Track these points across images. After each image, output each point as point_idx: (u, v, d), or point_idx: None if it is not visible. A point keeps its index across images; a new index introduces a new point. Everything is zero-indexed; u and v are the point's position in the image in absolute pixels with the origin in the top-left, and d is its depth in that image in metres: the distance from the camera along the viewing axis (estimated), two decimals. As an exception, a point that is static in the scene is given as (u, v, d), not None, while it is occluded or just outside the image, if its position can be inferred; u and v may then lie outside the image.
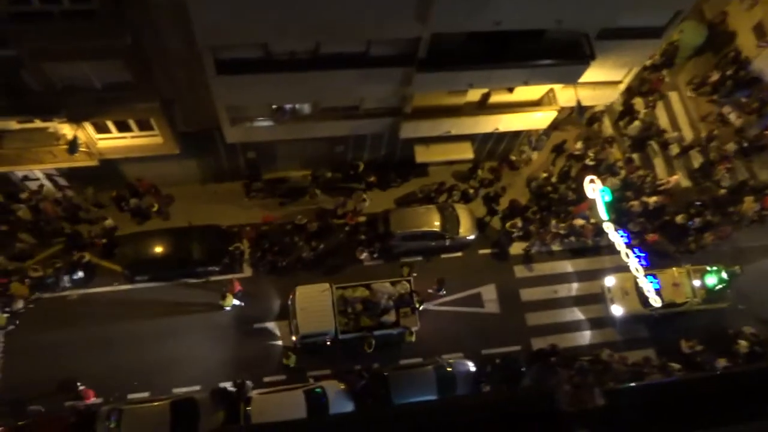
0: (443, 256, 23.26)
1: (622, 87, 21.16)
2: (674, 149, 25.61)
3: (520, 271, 23.47)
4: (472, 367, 20.85)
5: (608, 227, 20.49)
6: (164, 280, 21.69)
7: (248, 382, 19.69)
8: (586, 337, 22.62)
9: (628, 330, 22.60)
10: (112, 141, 19.43)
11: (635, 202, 23.59)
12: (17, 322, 20.63)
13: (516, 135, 23.53)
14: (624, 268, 21.01)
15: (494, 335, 22.08)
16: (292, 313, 20.61)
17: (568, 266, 23.71)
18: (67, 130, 18.47)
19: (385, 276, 21.62)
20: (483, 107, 20.57)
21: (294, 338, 20.57)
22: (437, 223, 22.55)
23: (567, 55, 17.20)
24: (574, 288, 23.31)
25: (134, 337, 20.66)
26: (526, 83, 18.55)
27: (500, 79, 18.52)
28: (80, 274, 21.28)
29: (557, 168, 24.96)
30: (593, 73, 18.38)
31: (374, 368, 20.62)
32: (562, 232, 23.47)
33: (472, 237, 23.01)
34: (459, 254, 23.40)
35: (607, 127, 26.17)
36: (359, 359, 20.77)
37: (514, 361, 21.24)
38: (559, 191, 24.23)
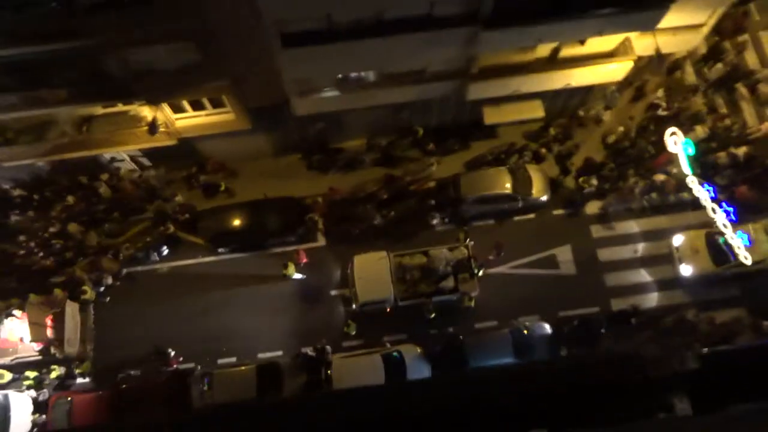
0: (516, 218, 22.87)
1: (706, 30, 19.66)
2: (764, 90, 23.51)
3: (597, 230, 22.73)
4: (549, 329, 20.60)
5: (692, 181, 19.34)
6: (244, 251, 22.65)
7: (327, 347, 20.39)
8: (668, 297, 21.72)
9: (714, 289, 21.46)
10: (188, 120, 20.26)
11: (722, 154, 22.12)
12: (108, 296, 22.19)
13: (588, 90, 22.48)
14: (708, 225, 19.87)
15: (571, 297, 21.63)
16: (351, 282, 21.03)
17: (648, 224, 22.69)
18: (147, 112, 19.44)
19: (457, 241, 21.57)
20: (553, 62, 19.71)
21: (354, 306, 21.01)
22: (508, 185, 22.12)
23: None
24: (656, 246, 22.33)
25: (219, 305, 21.80)
26: (600, 34, 17.57)
27: (572, 32, 17.63)
28: (167, 248, 22.60)
29: (635, 122, 23.72)
30: (673, 17, 17.17)
31: (450, 332, 20.79)
32: (641, 188, 22.43)
33: (545, 198, 22.44)
34: (532, 216, 22.93)
35: (690, 75, 24.49)
36: (423, 325, 21.04)
37: (593, 322, 20.75)
38: (637, 146, 23.07)
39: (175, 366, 20.92)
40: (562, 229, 22.76)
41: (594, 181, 22.35)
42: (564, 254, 22.38)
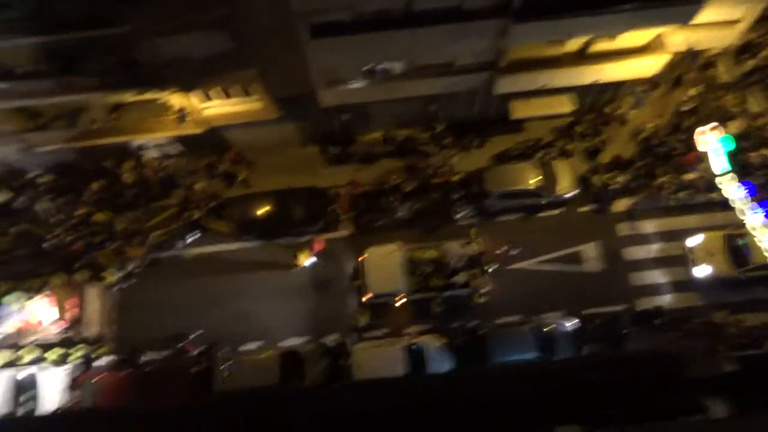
0: (541, 214, 22.68)
1: (742, 26, 19.17)
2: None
3: (623, 228, 22.45)
4: (573, 326, 20.41)
5: (728, 180, 18.78)
6: (269, 239, 22.87)
7: (346, 340, 20.60)
8: (693, 298, 21.36)
9: (742, 292, 21.02)
10: (217, 109, 20.43)
11: (754, 153, 21.60)
12: (133, 280, 22.58)
13: (618, 86, 22.13)
14: (734, 226, 19.47)
15: (595, 295, 21.39)
16: (361, 273, 21.15)
17: (675, 223, 22.33)
18: (175, 101, 19.64)
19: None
20: (583, 57, 19.47)
21: (364, 298, 21.11)
22: (533, 181, 21.93)
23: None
24: (682, 247, 21.96)
25: (242, 292, 22.08)
26: (633, 28, 17.29)
27: (603, 26, 17.34)
28: (193, 235, 22.92)
29: (666, 119, 23.28)
30: (709, 12, 16.80)
31: (472, 326, 20.76)
32: (669, 186, 22.04)
33: (570, 194, 22.21)
34: (557, 212, 22.73)
35: (723, 72, 23.91)
36: (442, 318, 21.10)
37: (617, 321, 20.56)
38: (667, 144, 22.65)
39: (193, 351, 21.23)
40: (588, 225, 22.51)
41: (620, 178, 22.00)
42: (589, 251, 22.16)
